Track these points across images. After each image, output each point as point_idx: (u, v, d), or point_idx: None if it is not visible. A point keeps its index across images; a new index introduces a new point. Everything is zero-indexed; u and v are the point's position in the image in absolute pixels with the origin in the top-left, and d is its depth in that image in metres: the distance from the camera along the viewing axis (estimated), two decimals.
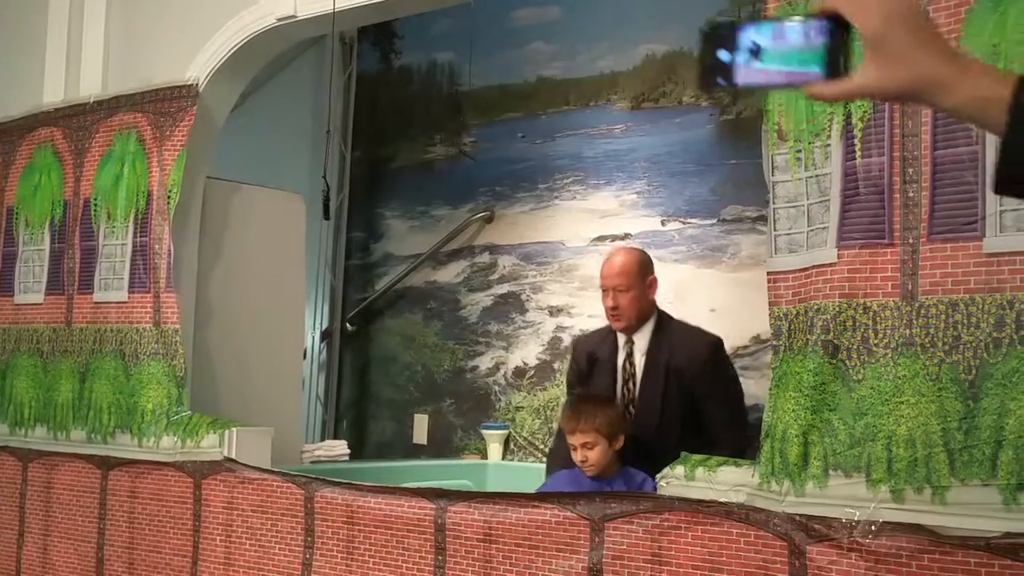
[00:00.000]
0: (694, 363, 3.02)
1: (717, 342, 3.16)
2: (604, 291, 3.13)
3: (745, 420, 3.20)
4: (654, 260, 4.41)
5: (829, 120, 2.25)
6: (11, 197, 4.06)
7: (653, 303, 3.16)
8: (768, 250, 2.38)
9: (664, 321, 3.15)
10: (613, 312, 3.09)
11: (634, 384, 3.10)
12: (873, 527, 2.05)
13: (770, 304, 2.33)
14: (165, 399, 3.43)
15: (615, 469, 2.86)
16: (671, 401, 3.00)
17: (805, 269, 2.26)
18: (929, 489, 2.00)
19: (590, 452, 2.82)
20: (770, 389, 2.29)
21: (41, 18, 4.15)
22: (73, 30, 4.04)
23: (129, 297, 3.61)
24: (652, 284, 3.14)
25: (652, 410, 3.02)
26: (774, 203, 2.35)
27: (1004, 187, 1.00)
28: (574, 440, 2.85)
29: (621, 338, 3.15)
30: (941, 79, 0.98)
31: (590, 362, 3.19)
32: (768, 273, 2.36)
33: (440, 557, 2.69)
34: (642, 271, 3.13)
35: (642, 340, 3.10)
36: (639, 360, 3.09)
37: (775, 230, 2.34)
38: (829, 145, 2.25)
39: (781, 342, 2.28)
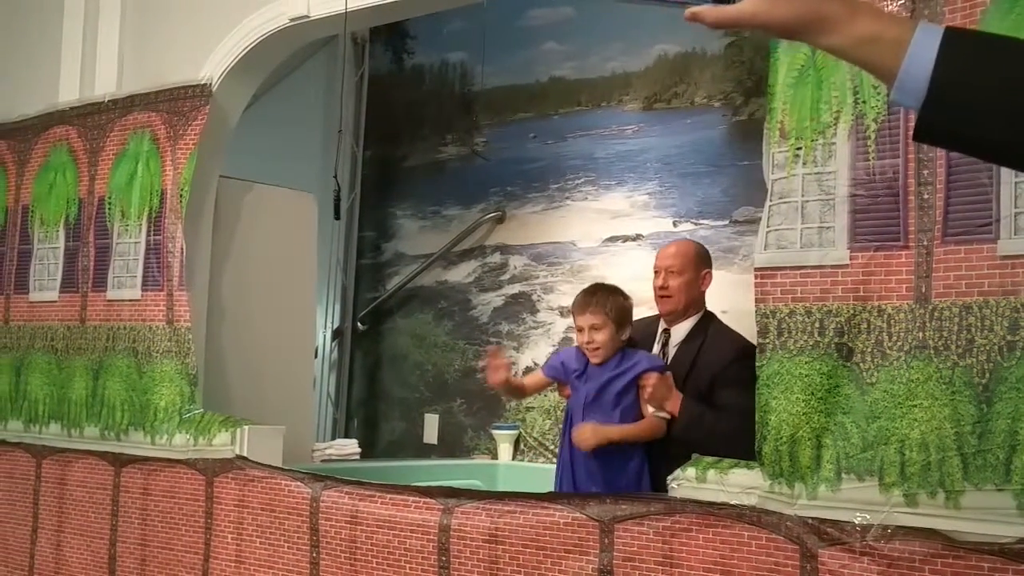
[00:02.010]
0: (719, 362, 2.91)
1: (747, 347, 2.90)
2: (656, 272, 3.08)
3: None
4: None
5: (835, 117, 2.23)
6: (26, 196, 4.09)
7: (703, 298, 3.11)
8: (757, 246, 2.35)
9: (707, 319, 3.09)
10: (662, 291, 3.04)
11: None
12: (886, 531, 2.04)
13: (756, 301, 2.30)
14: (178, 397, 3.44)
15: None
16: (687, 394, 2.90)
17: (801, 267, 2.24)
18: (942, 493, 1.99)
19: (597, 334, 2.79)
20: (758, 388, 2.27)
21: (57, 18, 4.17)
22: (88, 30, 4.06)
23: (142, 295, 3.62)
24: (706, 277, 3.09)
25: None
26: (770, 200, 2.33)
27: (923, 134, 0.97)
28: (582, 321, 2.80)
29: (660, 327, 3.12)
30: (830, 15, 0.95)
31: (629, 345, 3.10)
32: (756, 269, 2.33)
33: (444, 558, 2.67)
34: (698, 260, 3.09)
35: (679, 332, 3.06)
36: (672, 351, 3.05)
37: (767, 226, 2.32)
38: (834, 143, 2.23)
39: (769, 340, 2.27)
